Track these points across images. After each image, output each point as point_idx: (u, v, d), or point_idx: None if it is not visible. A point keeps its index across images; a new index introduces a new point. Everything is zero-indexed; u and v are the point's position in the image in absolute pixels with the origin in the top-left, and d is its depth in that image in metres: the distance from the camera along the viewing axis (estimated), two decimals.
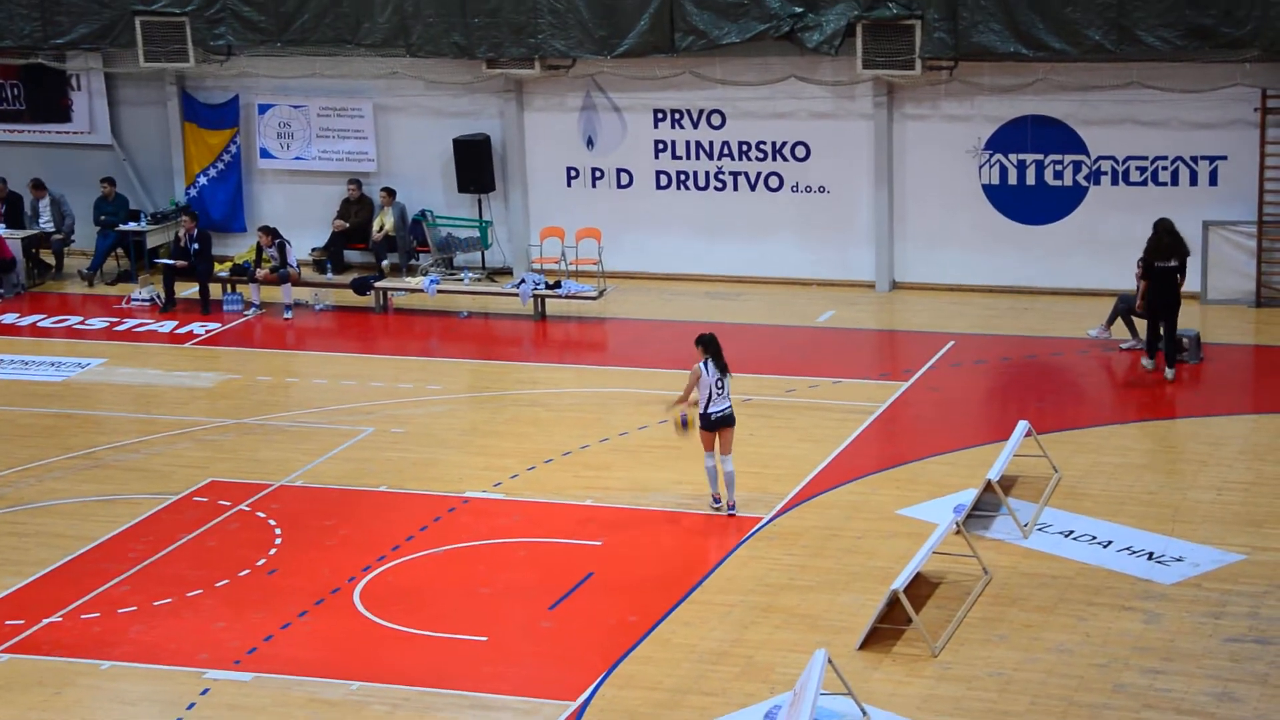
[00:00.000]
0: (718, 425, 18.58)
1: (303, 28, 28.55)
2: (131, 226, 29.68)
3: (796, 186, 27.70)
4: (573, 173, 28.68)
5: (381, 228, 28.86)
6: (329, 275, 28.53)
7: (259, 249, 27.75)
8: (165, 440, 21.91)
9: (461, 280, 27.56)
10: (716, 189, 28.04)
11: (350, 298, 27.82)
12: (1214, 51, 25.08)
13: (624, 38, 27.20)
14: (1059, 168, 26.54)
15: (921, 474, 19.82)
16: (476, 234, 28.74)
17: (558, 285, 26.74)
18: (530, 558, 18.06)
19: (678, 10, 26.86)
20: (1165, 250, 22.66)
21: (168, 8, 29.00)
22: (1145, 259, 22.76)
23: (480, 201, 28.80)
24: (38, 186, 30.12)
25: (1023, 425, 19.36)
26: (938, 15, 25.79)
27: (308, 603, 17.09)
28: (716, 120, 27.83)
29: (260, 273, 27.55)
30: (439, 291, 27.18)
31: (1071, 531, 18.05)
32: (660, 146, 28.17)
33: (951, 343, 24.67)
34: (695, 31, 26.86)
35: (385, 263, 28.80)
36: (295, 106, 29.68)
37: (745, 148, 27.78)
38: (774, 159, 27.70)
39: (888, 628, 15.88)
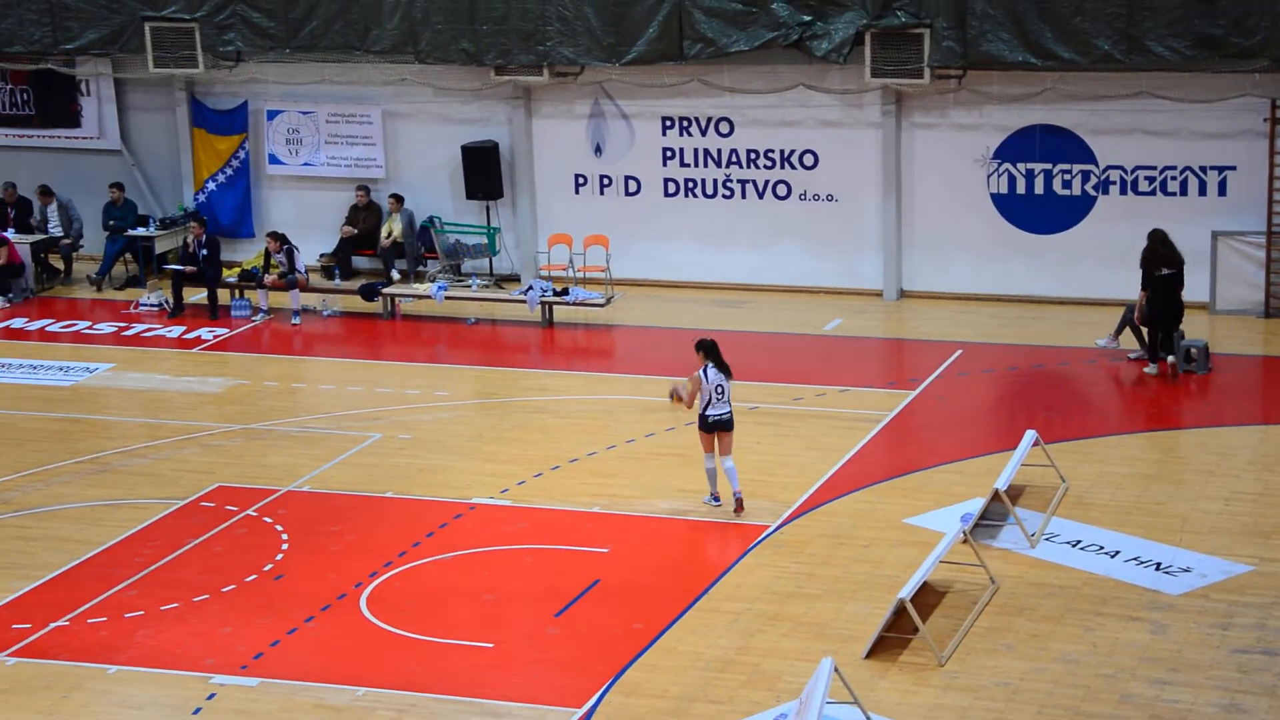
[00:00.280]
0: (715, 429, 18.67)
1: (312, 34, 28.58)
2: (140, 232, 29.72)
3: (804, 194, 27.70)
4: (581, 180, 28.68)
5: (390, 234, 28.88)
6: (337, 281, 28.54)
7: (267, 255, 27.78)
8: (173, 445, 21.92)
9: (469, 287, 27.56)
10: (724, 197, 28.05)
11: (358, 304, 27.84)
12: (1223, 62, 25.07)
13: (633, 45, 27.22)
14: (1067, 177, 26.52)
15: (929, 483, 19.80)
16: (484, 241, 28.75)
17: (565, 292, 26.75)
18: (537, 564, 18.06)
19: (686, 18, 26.87)
20: (1161, 259, 22.88)
21: (177, 13, 29.05)
22: (1145, 269, 22.93)
23: (488, 208, 28.81)
24: (45, 193, 30.16)
25: (1030, 435, 19.33)
26: (946, 24, 25.79)
27: (314, 608, 17.09)
28: (725, 128, 27.84)
29: (268, 278, 27.57)
30: (447, 298, 27.18)
31: (1079, 541, 18.03)
32: (668, 154, 28.18)
33: (959, 351, 24.66)
34: (704, 39, 26.87)
35: (394, 272, 28.79)
36: (304, 113, 29.71)
37: (753, 155, 27.79)
38: (782, 167, 27.70)
39: (894, 636, 15.86)
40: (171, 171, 30.80)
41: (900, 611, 15.73)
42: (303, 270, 27.77)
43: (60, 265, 30.28)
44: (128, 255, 29.92)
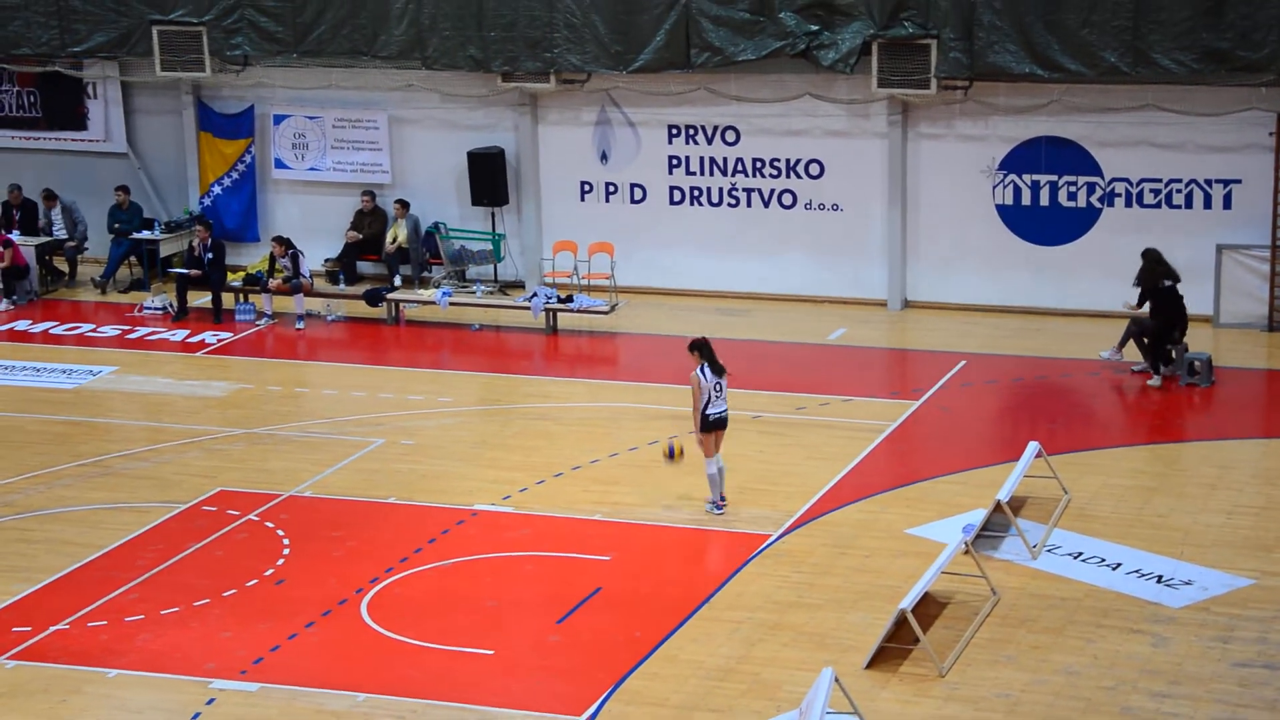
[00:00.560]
0: (715, 427, 18.82)
1: (319, 39, 28.60)
2: (145, 235, 29.74)
3: (810, 204, 27.69)
4: (586, 187, 28.69)
5: (395, 239, 28.89)
6: (341, 286, 28.55)
7: (272, 259, 27.79)
8: (175, 449, 21.92)
9: (474, 293, 27.58)
10: (730, 205, 28.05)
11: (362, 309, 27.85)
12: (1229, 75, 25.07)
13: (640, 53, 27.22)
14: (1073, 189, 26.51)
15: (931, 493, 19.79)
16: (489, 247, 28.75)
17: (570, 299, 26.76)
18: (538, 572, 18.05)
19: (694, 27, 26.88)
20: (1163, 274, 23.16)
21: (185, 17, 29.08)
22: (1145, 287, 23.07)
23: (494, 214, 28.82)
24: (48, 197, 30.20)
25: (1033, 446, 19.33)
26: (953, 35, 25.79)
27: (315, 614, 17.09)
28: (731, 137, 27.83)
29: (273, 283, 27.58)
30: (451, 304, 27.19)
31: (1080, 553, 18.02)
32: (674, 162, 28.18)
33: (963, 362, 24.65)
34: (711, 48, 26.87)
35: (397, 278, 28.81)
36: (310, 117, 29.72)
37: (759, 164, 27.79)
38: (788, 176, 27.70)
39: (895, 647, 15.85)
40: (177, 175, 30.83)
41: (901, 622, 15.72)
42: (307, 275, 27.77)
43: (65, 268, 30.30)
44: (132, 258, 29.93)
